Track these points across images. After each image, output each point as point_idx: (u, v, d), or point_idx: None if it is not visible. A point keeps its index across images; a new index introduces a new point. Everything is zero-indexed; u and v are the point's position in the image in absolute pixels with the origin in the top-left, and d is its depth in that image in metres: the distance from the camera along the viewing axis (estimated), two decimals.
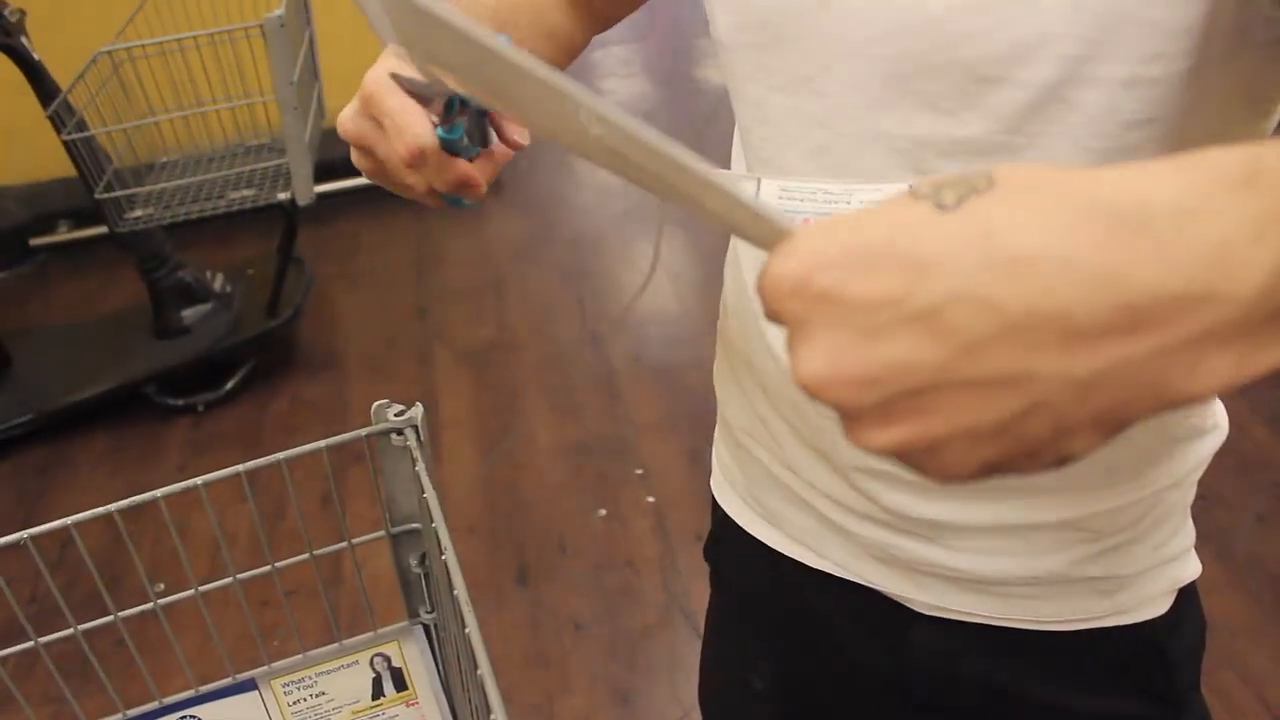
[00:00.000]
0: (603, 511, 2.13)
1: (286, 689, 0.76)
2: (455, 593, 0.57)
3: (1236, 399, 0.66)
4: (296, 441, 0.69)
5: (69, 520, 0.65)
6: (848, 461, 0.65)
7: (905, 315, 0.31)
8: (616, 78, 4.15)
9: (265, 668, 0.75)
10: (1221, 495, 1.97)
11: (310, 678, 0.76)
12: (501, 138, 0.60)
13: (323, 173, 2.26)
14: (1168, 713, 0.70)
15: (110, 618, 0.70)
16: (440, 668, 0.79)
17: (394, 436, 0.69)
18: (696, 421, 2.32)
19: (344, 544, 0.73)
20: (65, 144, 2.14)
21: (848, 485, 0.67)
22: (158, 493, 0.67)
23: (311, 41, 2.25)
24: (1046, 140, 0.51)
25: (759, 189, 0.55)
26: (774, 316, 0.34)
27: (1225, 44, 0.48)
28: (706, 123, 3.43)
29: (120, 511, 0.67)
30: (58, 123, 2.13)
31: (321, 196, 2.32)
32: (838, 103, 0.55)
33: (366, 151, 0.58)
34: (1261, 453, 2.09)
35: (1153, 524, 0.66)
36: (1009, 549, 0.65)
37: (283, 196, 2.27)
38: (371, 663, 0.77)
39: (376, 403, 0.69)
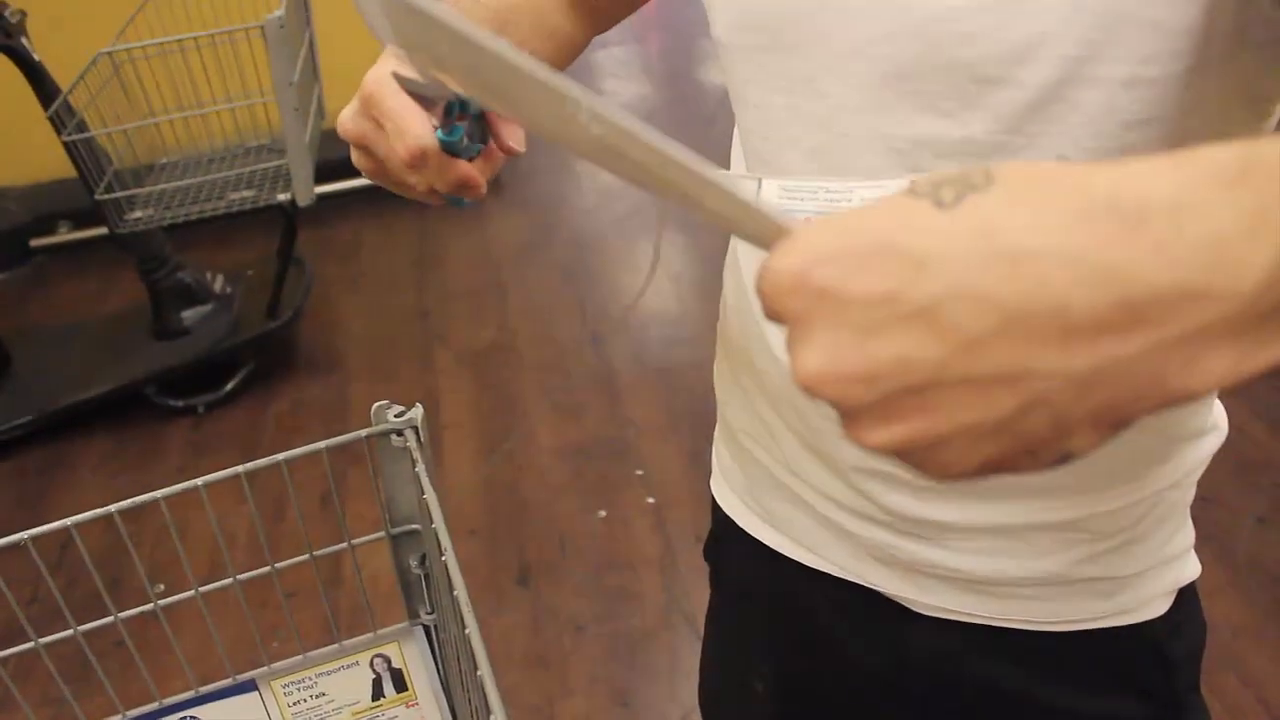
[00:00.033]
0: (603, 512, 2.13)
1: (286, 690, 0.76)
2: (455, 594, 0.57)
3: (1236, 399, 0.66)
4: (297, 442, 0.69)
5: (69, 521, 0.65)
6: (848, 462, 0.65)
7: (904, 312, 0.31)
8: (617, 78, 4.15)
9: (265, 668, 0.75)
10: (1221, 496, 1.96)
11: (310, 679, 0.76)
12: (498, 144, 0.60)
13: (323, 173, 2.25)
14: (1167, 713, 0.70)
15: (110, 618, 0.70)
16: (440, 669, 0.79)
17: (394, 437, 0.69)
18: (696, 422, 2.32)
19: (344, 545, 0.73)
20: (65, 145, 2.14)
21: (848, 486, 0.67)
22: (158, 494, 0.67)
23: (311, 42, 2.25)
24: (1046, 140, 0.51)
25: (760, 189, 0.55)
26: (773, 314, 0.34)
27: (1225, 44, 0.48)
28: (707, 123, 3.43)
29: (120, 512, 0.67)
30: (58, 124, 2.13)
31: (322, 197, 2.32)
32: (838, 103, 0.55)
33: (367, 152, 0.58)
34: (1261, 453, 2.08)
35: (1153, 524, 0.66)
36: (1009, 550, 0.65)
37: (283, 197, 2.27)
38: (371, 664, 0.77)
39: (376, 404, 0.69)
